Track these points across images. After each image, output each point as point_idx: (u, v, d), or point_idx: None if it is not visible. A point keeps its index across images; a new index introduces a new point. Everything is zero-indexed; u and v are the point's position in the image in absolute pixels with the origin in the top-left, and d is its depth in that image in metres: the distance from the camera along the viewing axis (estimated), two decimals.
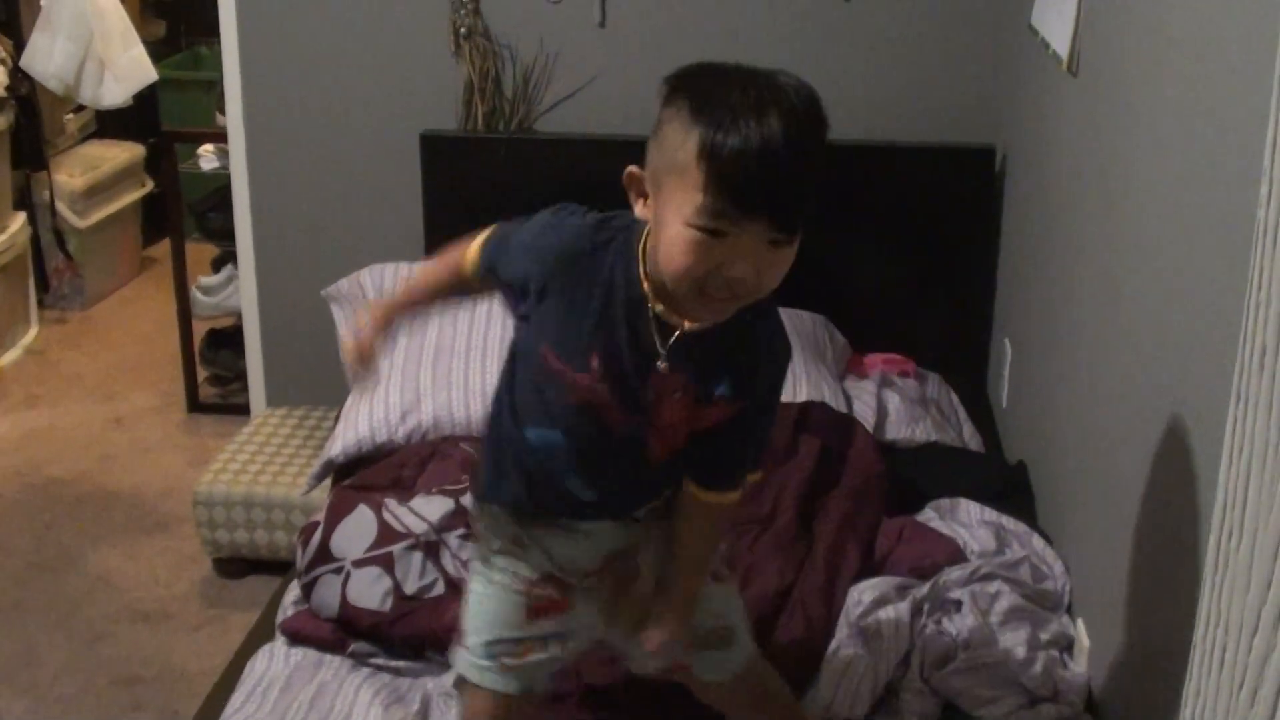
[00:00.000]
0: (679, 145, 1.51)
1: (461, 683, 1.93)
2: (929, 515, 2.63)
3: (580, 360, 1.69)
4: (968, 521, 2.60)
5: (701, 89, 1.52)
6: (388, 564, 2.36)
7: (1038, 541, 2.53)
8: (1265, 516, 0.85)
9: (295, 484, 3.41)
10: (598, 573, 1.87)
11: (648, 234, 1.63)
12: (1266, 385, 0.91)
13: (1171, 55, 1.97)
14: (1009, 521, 2.58)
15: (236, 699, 2.20)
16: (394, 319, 1.91)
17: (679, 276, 1.56)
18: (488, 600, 1.87)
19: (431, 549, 2.38)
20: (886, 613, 2.28)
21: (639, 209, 1.63)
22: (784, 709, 2.10)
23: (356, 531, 2.43)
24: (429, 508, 2.44)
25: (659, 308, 1.66)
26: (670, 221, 1.54)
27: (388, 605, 2.32)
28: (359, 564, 2.37)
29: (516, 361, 1.80)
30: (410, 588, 2.33)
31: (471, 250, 1.79)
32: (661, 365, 1.67)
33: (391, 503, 2.48)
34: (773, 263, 1.55)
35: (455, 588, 2.29)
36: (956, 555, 2.46)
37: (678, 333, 1.66)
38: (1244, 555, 0.87)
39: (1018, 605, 2.26)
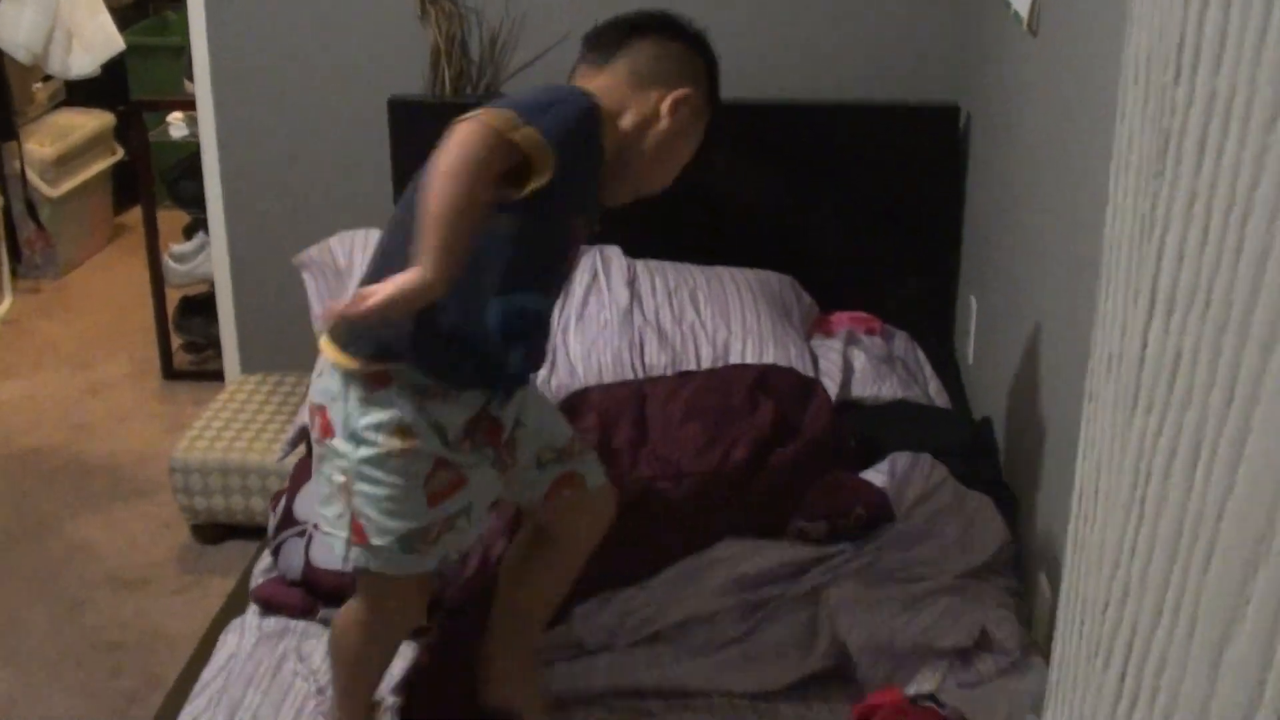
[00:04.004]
0: (694, 83, 2.00)
1: (364, 577, 1.91)
2: (881, 469, 2.56)
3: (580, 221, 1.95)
4: (909, 476, 2.52)
5: (685, 36, 2.04)
6: None
7: (981, 500, 2.48)
8: (1114, 504, 0.91)
9: (270, 449, 3.43)
10: (464, 437, 1.88)
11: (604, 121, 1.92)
12: (1111, 388, 0.95)
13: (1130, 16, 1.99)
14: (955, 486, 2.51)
15: (207, 673, 2.23)
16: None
17: (661, 187, 2.04)
18: (387, 500, 1.83)
19: None
20: (769, 590, 2.27)
21: (630, 121, 1.97)
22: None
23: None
24: None
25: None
26: (681, 148, 2.02)
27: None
28: None
29: (530, 228, 1.84)
30: None
31: (502, 138, 1.81)
32: (595, 228, 1.98)
33: None
34: None
35: None
36: (881, 504, 2.42)
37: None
38: (1096, 538, 0.93)
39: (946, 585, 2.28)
